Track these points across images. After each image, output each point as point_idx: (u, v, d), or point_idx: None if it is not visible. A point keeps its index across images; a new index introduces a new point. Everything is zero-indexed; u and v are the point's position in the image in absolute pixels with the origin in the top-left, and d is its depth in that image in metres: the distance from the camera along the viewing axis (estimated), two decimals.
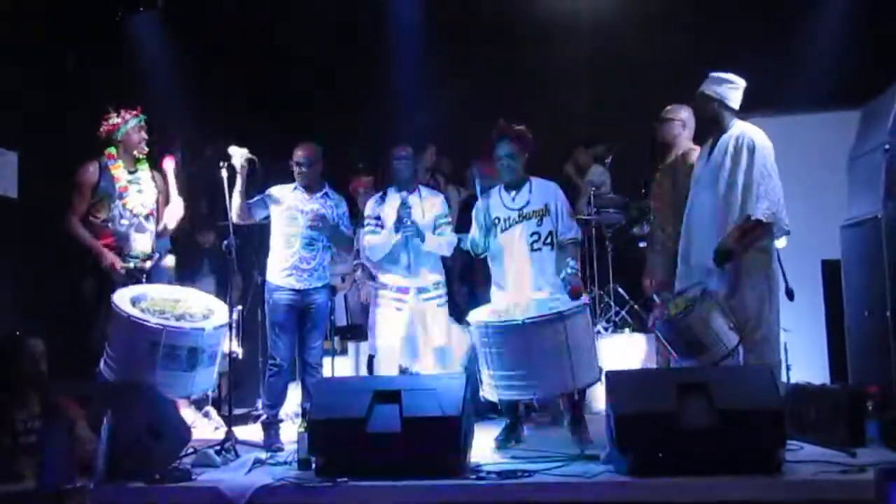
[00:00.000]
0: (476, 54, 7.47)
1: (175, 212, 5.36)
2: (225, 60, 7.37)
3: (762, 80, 6.61)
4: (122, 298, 4.70)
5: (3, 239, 6.11)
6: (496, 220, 4.98)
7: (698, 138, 5.16)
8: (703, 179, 4.78)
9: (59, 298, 5.69)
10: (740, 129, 4.69)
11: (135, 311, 4.61)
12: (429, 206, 5.40)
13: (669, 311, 4.65)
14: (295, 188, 5.29)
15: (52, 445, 3.63)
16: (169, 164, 5.37)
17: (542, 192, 5.00)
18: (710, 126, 4.84)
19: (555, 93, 7.55)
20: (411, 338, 5.27)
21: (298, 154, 5.25)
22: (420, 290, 5.29)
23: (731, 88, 4.75)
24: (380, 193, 5.50)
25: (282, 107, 7.44)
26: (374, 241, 5.33)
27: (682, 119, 5.19)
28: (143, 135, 5.27)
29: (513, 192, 5.00)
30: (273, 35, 7.40)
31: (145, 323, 4.57)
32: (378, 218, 5.35)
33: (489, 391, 4.63)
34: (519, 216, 4.93)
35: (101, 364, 4.69)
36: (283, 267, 5.20)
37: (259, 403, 6.50)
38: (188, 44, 7.23)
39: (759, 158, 4.56)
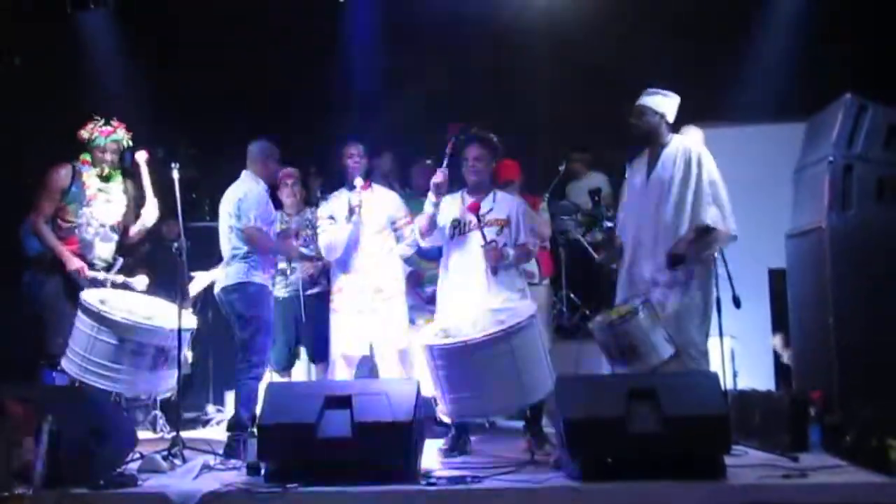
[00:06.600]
0: (432, 59, 7.47)
1: (151, 212, 5.37)
2: (177, 60, 7.28)
3: (711, 91, 6.77)
4: (91, 296, 4.82)
5: None
6: (455, 223, 4.93)
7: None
8: (647, 194, 4.90)
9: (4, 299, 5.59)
10: (682, 143, 4.89)
11: (105, 307, 4.70)
12: (380, 203, 5.34)
13: (610, 316, 4.75)
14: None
15: None
16: (141, 156, 5.31)
17: (507, 203, 4.96)
18: (644, 138, 4.93)
19: (511, 98, 7.59)
20: (372, 340, 5.23)
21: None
22: (378, 291, 5.25)
23: (671, 103, 4.89)
24: (331, 194, 5.43)
25: (235, 107, 7.35)
26: (328, 238, 5.26)
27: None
28: (121, 147, 5.26)
29: (476, 198, 4.94)
30: (227, 35, 7.32)
31: (116, 318, 4.66)
32: (332, 217, 5.29)
33: (440, 410, 4.59)
34: (479, 221, 4.87)
35: (64, 361, 4.75)
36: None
37: (209, 408, 6.45)
38: (140, 43, 7.13)
39: (706, 170, 4.78)
